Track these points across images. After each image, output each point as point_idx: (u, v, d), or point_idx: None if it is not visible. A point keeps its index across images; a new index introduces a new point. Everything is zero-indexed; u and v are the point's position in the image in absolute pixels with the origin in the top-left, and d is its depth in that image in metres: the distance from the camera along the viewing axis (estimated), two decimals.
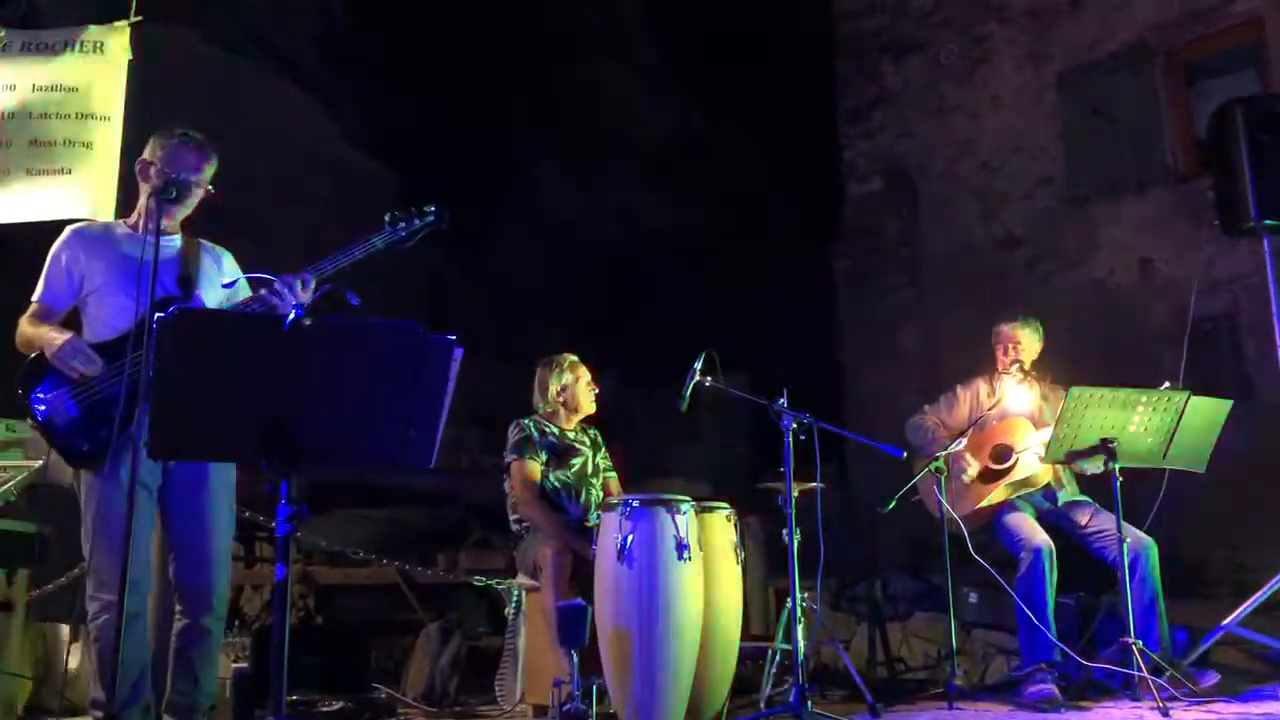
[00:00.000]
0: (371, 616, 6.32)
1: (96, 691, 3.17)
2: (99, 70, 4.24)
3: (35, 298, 3.39)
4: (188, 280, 3.41)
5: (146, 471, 3.19)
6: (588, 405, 4.64)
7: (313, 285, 3.29)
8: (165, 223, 3.30)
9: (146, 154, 3.45)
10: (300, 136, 9.66)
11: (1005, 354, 4.85)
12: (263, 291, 3.27)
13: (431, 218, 3.41)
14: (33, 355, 3.28)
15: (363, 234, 3.37)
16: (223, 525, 3.38)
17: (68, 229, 3.47)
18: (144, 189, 3.46)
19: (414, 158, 10.36)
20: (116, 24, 4.30)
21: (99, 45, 4.27)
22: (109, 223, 3.64)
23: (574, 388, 4.60)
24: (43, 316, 3.34)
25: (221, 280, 3.49)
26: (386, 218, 3.37)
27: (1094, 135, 7.94)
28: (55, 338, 3.22)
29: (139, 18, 4.26)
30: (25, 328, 3.33)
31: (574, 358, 4.67)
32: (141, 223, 3.42)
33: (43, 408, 3.20)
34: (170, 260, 3.38)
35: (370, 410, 2.49)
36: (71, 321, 3.39)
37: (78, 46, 4.26)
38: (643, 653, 3.59)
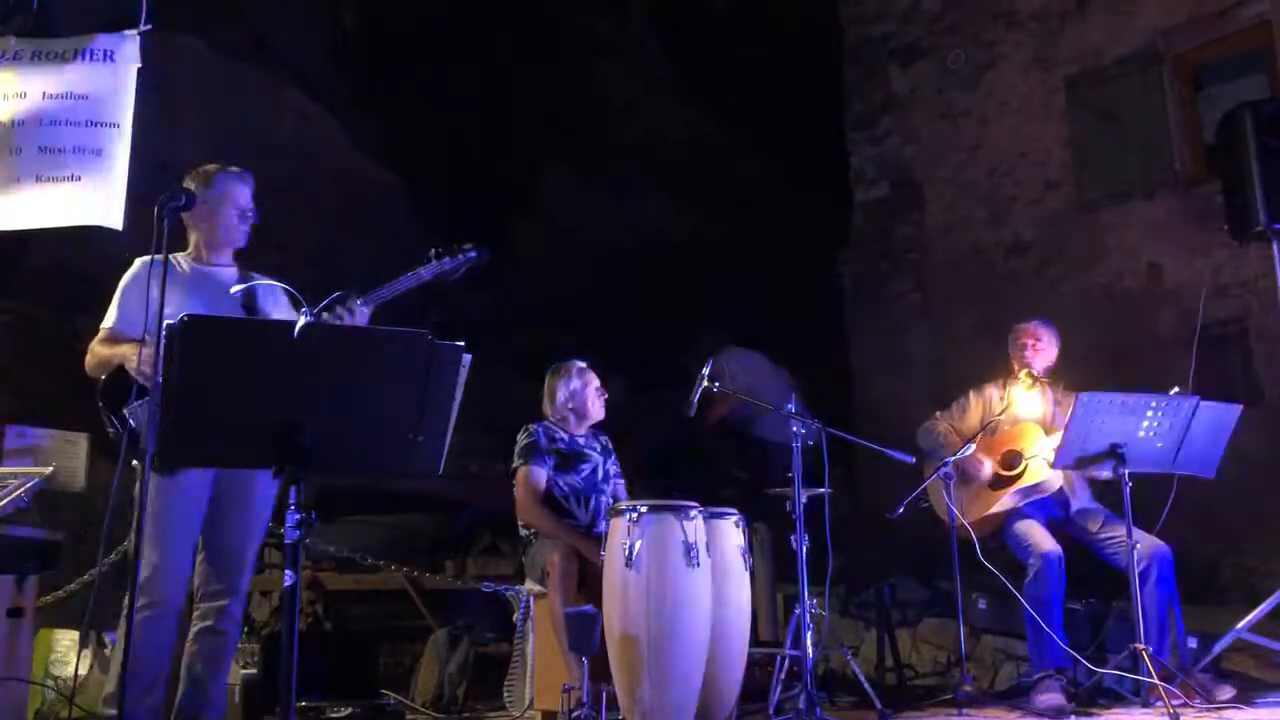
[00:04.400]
0: (380, 622, 6.31)
1: (114, 687, 3.19)
2: (108, 78, 4.25)
3: (108, 325, 3.50)
4: (251, 308, 3.52)
5: (197, 478, 3.34)
6: (597, 411, 4.65)
7: (369, 313, 3.46)
8: (224, 253, 3.60)
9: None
10: (309, 144, 9.66)
11: (1023, 351, 4.80)
12: (325, 316, 3.33)
13: (473, 254, 3.68)
14: (109, 372, 3.39)
15: (411, 268, 3.60)
16: (260, 533, 3.52)
17: (138, 261, 3.55)
18: (194, 232, 3.62)
19: (424, 165, 10.37)
20: (126, 32, 4.31)
21: (108, 53, 4.29)
22: (174, 256, 3.69)
23: (582, 394, 4.61)
24: (113, 342, 3.45)
25: (277, 312, 3.58)
26: (432, 252, 3.62)
27: (1102, 140, 7.92)
28: (131, 352, 3.32)
29: (148, 26, 4.28)
30: (99, 350, 3.45)
31: (582, 364, 4.68)
32: (206, 255, 3.60)
33: (129, 416, 3.32)
34: (233, 288, 3.51)
35: (379, 417, 2.49)
36: None
37: (87, 55, 4.27)
38: (651, 659, 3.59)
